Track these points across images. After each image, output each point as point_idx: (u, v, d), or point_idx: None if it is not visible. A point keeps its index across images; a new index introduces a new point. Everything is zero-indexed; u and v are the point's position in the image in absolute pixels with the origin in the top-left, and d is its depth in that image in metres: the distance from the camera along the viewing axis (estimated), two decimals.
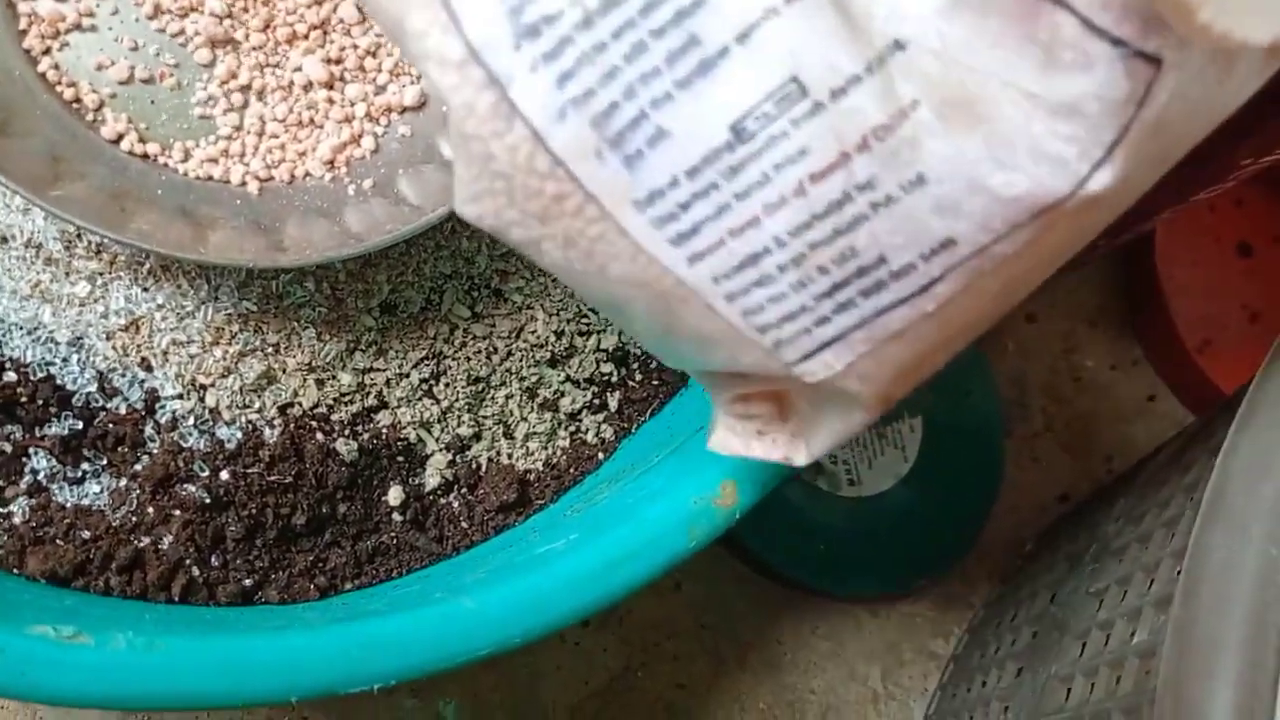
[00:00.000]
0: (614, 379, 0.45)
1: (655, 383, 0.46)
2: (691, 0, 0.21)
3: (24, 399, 0.37)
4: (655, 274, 0.23)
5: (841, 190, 0.21)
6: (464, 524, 0.43)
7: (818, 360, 0.24)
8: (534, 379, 0.44)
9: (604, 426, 0.45)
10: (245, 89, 0.40)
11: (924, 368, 0.25)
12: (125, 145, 0.38)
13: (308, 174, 0.40)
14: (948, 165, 0.21)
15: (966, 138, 0.21)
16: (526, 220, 0.24)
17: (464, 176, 0.23)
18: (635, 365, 0.46)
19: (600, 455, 0.45)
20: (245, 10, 0.40)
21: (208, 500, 0.38)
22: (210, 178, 0.39)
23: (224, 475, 0.39)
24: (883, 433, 0.56)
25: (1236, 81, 0.21)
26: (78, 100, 0.38)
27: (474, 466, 0.44)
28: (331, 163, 0.40)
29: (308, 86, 0.41)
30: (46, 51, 0.38)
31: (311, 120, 0.41)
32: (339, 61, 0.41)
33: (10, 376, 0.37)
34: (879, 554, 0.55)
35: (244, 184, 0.39)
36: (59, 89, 0.38)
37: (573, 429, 0.45)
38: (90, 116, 0.38)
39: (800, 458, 0.28)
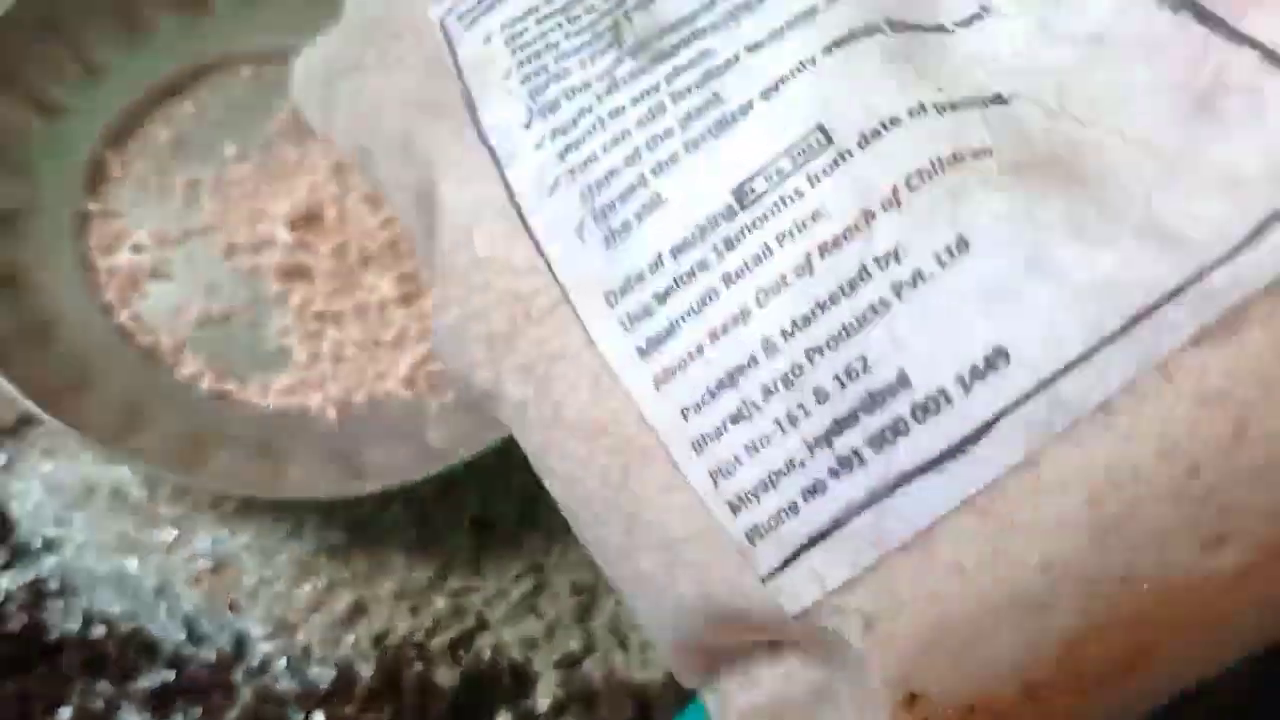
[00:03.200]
0: None
1: None
2: (724, 60, 0.19)
3: (113, 653, 0.36)
4: (613, 409, 0.19)
5: (858, 264, 0.17)
6: None
7: (802, 567, 0.17)
8: None
9: None
10: (320, 316, 0.40)
11: (1009, 666, 0.16)
12: (203, 385, 0.38)
13: (387, 394, 0.39)
14: (1005, 229, 0.16)
15: (1042, 199, 0.16)
16: (494, 345, 0.20)
17: (442, 292, 0.21)
18: None
19: None
20: (317, 238, 0.40)
21: None
22: (287, 408, 0.38)
23: (318, 719, 0.37)
24: None
25: None
26: (156, 346, 0.38)
27: (588, 684, 0.41)
28: (411, 380, 0.40)
29: (383, 306, 0.40)
30: (125, 303, 0.38)
31: (389, 339, 0.40)
32: (413, 277, 0.41)
33: (99, 630, 0.37)
34: None
35: (322, 412, 0.39)
36: (137, 338, 0.38)
37: None
38: (168, 360, 0.38)
39: None
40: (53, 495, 0.38)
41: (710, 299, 0.18)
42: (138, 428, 0.36)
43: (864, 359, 0.16)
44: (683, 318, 0.18)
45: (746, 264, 0.18)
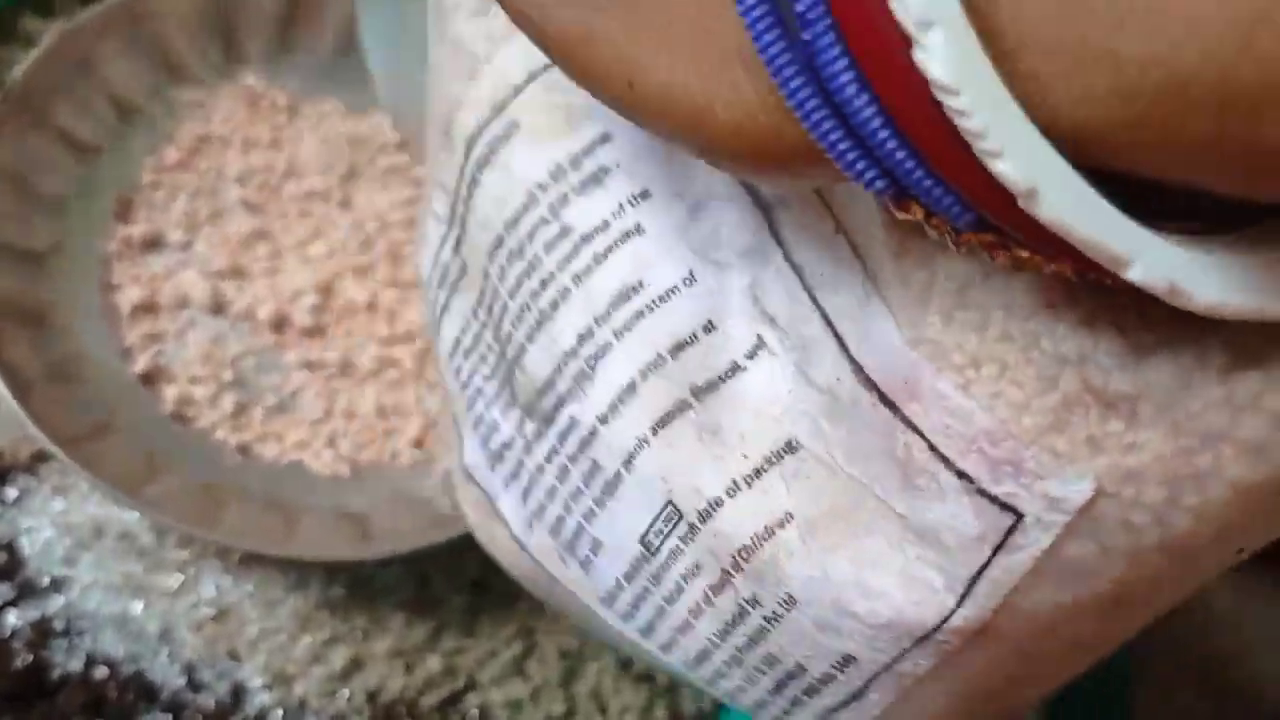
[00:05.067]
0: None
1: None
2: (589, 430, 0.22)
3: (113, 696, 0.37)
4: (653, 661, 0.24)
5: (737, 604, 0.21)
6: None
7: None
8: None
9: (702, 697, 0.43)
10: (335, 375, 0.41)
11: None
12: (219, 435, 0.39)
13: (395, 454, 0.40)
14: (813, 588, 0.20)
15: (833, 558, 0.20)
16: (539, 593, 0.27)
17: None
18: None
19: None
20: (336, 298, 0.41)
21: None
22: (300, 462, 0.39)
23: None
24: None
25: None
26: (174, 395, 0.39)
27: None
28: (420, 443, 0.40)
29: (396, 367, 0.41)
30: (145, 349, 0.39)
31: (399, 402, 0.41)
32: (427, 346, 0.41)
33: (101, 672, 0.37)
34: None
35: (333, 468, 0.39)
36: (157, 386, 0.39)
37: (668, 701, 0.43)
38: (185, 410, 0.39)
39: None
40: (62, 534, 0.38)
41: (664, 613, 0.23)
42: (153, 476, 0.36)
43: (772, 656, 0.22)
44: (655, 620, 0.23)
45: (671, 595, 0.22)
